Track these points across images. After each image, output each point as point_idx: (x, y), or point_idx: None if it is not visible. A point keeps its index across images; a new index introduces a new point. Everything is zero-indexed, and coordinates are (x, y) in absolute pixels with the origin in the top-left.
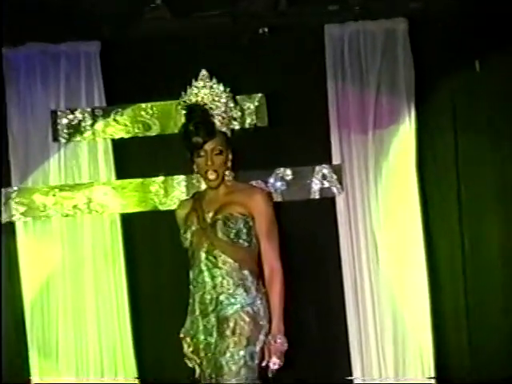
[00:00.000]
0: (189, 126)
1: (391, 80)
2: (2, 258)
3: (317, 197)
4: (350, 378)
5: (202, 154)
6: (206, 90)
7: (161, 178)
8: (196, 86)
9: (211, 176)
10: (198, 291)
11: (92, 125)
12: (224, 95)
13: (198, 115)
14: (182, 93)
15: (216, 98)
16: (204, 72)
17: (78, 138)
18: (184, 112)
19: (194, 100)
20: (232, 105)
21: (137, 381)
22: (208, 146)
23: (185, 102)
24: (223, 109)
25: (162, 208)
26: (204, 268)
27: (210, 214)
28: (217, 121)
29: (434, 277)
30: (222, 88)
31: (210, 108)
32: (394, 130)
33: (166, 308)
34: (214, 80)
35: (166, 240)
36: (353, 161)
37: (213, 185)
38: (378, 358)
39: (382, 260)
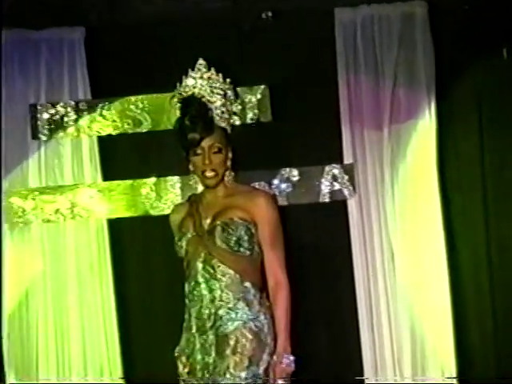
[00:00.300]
0: (184, 120)
1: (409, 70)
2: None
3: (326, 200)
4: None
5: (199, 151)
6: (203, 81)
7: (153, 180)
8: (192, 77)
9: (209, 173)
10: (194, 305)
11: (76, 120)
12: (224, 86)
13: (195, 109)
14: (177, 84)
15: (215, 90)
16: (201, 61)
17: (61, 134)
18: (179, 105)
19: (189, 92)
20: (232, 97)
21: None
22: (205, 143)
23: (180, 94)
24: (223, 102)
25: (153, 213)
26: (201, 280)
27: (208, 220)
28: (215, 115)
29: (457, 288)
30: (221, 79)
31: (208, 101)
32: (413, 125)
33: (158, 324)
34: (213, 70)
35: (158, 249)
36: (366, 160)
37: (210, 183)
38: (394, 376)
39: (398, 270)
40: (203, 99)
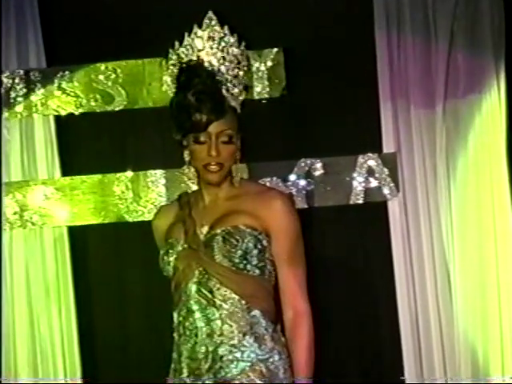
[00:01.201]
0: (187, 96)
1: (471, 28)
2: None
3: (360, 201)
4: None
5: (203, 139)
6: (213, 43)
7: (129, 174)
8: (199, 36)
9: (213, 167)
10: (186, 342)
11: (26, 95)
12: (237, 52)
13: (202, 81)
14: (176, 43)
15: (227, 57)
16: (211, 15)
17: (6, 114)
18: (175, 73)
19: (193, 56)
20: (246, 67)
21: None
22: (213, 129)
23: (178, 56)
24: (235, 72)
25: (129, 218)
26: (195, 307)
27: (205, 228)
28: (225, 90)
29: None
30: (236, 41)
31: (218, 70)
32: (475, 101)
33: (135, 368)
34: (226, 29)
35: (135, 266)
36: (413, 148)
37: (214, 180)
38: None
39: (456, 293)
40: (211, 68)
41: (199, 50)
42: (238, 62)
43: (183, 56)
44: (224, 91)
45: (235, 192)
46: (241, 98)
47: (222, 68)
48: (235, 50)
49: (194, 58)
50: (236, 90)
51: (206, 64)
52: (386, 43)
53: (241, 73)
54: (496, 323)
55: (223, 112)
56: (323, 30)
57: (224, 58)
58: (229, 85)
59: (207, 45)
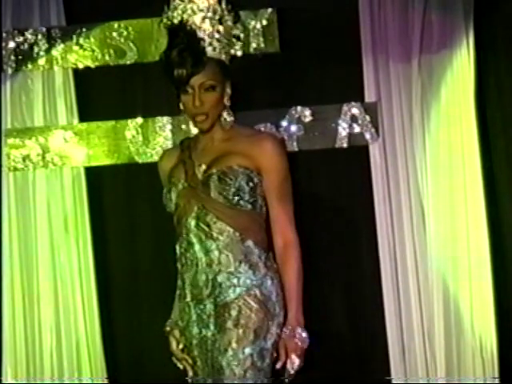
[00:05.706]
0: (171, 54)
1: None
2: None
3: (344, 145)
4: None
5: (188, 90)
6: (193, 5)
7: (139, 121)
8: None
9: (200, 118)
10: (188, 270)
11: (48, 50)
12: (218, 8)
13: (182, 40)
14: (165, 7)
15: (208, 14)
16: None
17: (30, 66)
18: (167, 34)
19: (178, 18)
20: (231, 23)
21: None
22: (195, 81)
23: (168, 19)
24: (218, 28)
25: (139, 160)
26: (194, 240)
27: (202, 168)
28: (209, 45)
29: (499, 251)
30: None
31: (200, 28)
32: (447, 56)
33: (145, 292)
34: None
35: (145, 203)
36: (392, 98)
37: (203, 128)
38: (424, 355)
39: (429, 228)
40: (194, 26)
41: (182, 12)
42: (220, 19)
43: (171, 18)
44: (207, 45)
45: (229, 134)
46: (231, 50)
47: (204, 26)
48: (216, 7)
49: (179, 19)
50: (222, 45)
51: (188, 23)
52: (368, 5)
53: (225, 28)
54: (465, 253)
55: (202, 65)
56: None
57: (204, 18)
58: (212, 40)
59: (188, 6)
